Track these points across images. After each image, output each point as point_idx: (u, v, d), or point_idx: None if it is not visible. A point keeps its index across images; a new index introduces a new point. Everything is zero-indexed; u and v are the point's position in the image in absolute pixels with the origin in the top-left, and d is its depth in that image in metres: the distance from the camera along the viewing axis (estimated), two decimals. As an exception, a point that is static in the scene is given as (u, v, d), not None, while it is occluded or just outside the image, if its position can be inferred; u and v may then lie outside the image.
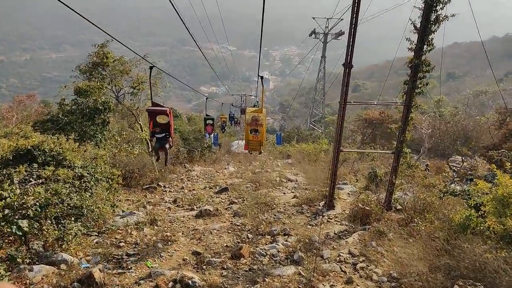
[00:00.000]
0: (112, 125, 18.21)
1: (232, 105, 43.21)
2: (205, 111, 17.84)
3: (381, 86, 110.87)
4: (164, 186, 19.42)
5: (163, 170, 20.86)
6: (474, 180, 13.55)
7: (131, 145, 19.22)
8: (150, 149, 20.45)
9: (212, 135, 19.22)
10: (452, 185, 17.96)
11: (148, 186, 18.56)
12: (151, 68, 8.85)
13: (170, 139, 11.00)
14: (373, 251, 10.41)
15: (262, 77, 10.69)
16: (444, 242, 9.43)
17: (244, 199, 16.65)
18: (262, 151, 13.06)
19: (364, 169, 23.99)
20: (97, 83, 16.98)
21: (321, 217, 13.81)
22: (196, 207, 15.61)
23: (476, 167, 22.73)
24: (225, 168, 26.38)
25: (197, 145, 29.08)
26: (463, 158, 23.98)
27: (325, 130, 57.96)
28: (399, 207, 14.33)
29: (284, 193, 17.80)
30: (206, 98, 16.41)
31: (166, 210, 15.30)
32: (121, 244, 10.92)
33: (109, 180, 13.78)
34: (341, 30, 51.45)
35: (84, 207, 11.36)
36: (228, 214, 14.54)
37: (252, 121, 11.49)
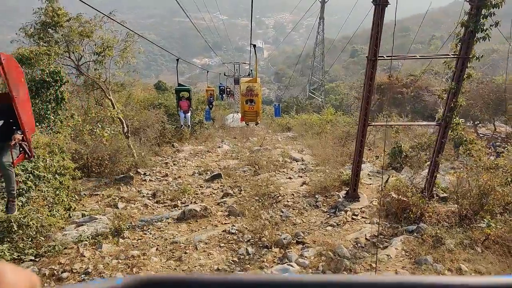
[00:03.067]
0: (71, 101, 14.53)
1: (224, 74, 39.15)
2: (177, 78, 12.88)
3: (380, 50, 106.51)
4: (144, 174, 16.00)
5: (143, 154, 17.41)
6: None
7: (100, 126, 15.62)
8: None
9: (189, 113, 14.15)
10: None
11: (123, 175, 15.10)
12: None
13: (17, 135, 4.31)
14: (431, 273, 7.12)
15: (255, 46, 10.30)
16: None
17: (241, 188, 13.28)
18: (259, 122, 12.81)
19: (379, 142, 20.58)
20: (45, 47, 13.15)
21: (343, 212, 10.48)
22: (181, 203, 12.27)
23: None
24: (219, 147, 22.95)
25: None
26: (494, 124, 20.57)
27: (325, 98, 54.18)
28: (441, 194, 11.03)
29: (290, 178, 14.40)
30: (177, 60, 12.41)
31: (142, 209, 11.93)
32: (65, 274, 7.56)
33: (59, 175, 10.34)
34: (341, -13, 46.59)
35: (13, 220, 7.97)
36: (221, 212, 11.19)
37: (247, 92, 11.18)
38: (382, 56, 9.15)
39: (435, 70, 39.40)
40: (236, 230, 9.45)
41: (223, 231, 9.49)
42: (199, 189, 13.70)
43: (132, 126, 19.98)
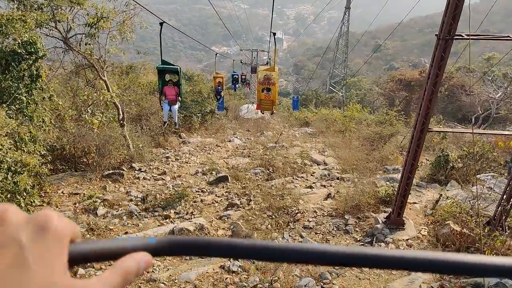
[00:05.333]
0: (51, 80, 12.17)
1: (241, 62, 36.64)
2: (161, 52, 9.14)
3: (404, 45, 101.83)
4: (139, 170, 13.64)
5: (141, 145, 15.04)
6: None
7: (89, 111, 13.29)
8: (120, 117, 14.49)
9: (177, 105, 10.40)
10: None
11: (112, 171, 12.76)
12: None
13: None
14: None
15: (274, 34, 10.09)
16: None
17: (251, 198, 10.78)
18: (275, 111, 13.16)
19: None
20: (21, 12, 10.76)
21: (383, 245, 7.87)
22: (174, 213, 9.85)
23: None
24: (229, 140, 20.49)
25: (197, 109, 23.19)
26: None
27: (346, 93, 51.03)
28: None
29: (311, 188, 11.80)
30: (161, 24, 8.62)
31: (125, 218, 9.55)
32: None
33: (15, 174, 8.00)
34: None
35: None
36: (222, 231, 8.73)
37: (264, 80, 11.30)
38: (460, 35, 6.42)
39: (470, 68, 36.02)
40: (239, 267, 6.90)
41: (220, 266, 6.96)
42: (200, 195, 11.24)
43: (133, 113, 17.68)
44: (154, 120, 18.47)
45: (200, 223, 8.45)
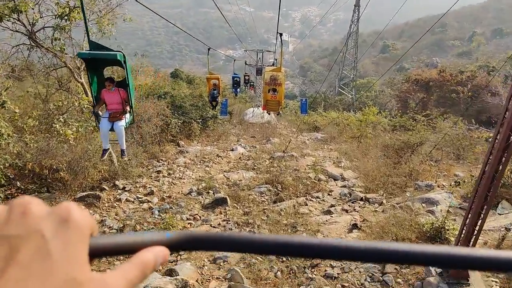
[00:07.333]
0: (10, 82, 9.98)
1: (246, 63, 34.45)
2: (86, 28, 5.33)
3: (417, 46, 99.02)
4: (124, 188, 11.44)
5: (127, 158, 12.81)
6: None
7: (62, 120, 11.08)
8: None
9: (123, 121, 6.15)
10: None
11: (87, 193, 10.52)
12: None
13: None
14: None
15: (281, 34, 9.92)
16: None
17: (255, 228, 8.46)
18: (281, 112, 13.96)
19: (447, 157, 15.13)
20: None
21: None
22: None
23: None
24: (232, 150, 18.24)
25: (197, 114, 21.09)
26: None
27: (356, 95, 48.54)
28: None
29: (331, 213, 9.43)
30: None
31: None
32: None
33: None
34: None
35: None
36: (216, 283, 6.42)
37: (270, 81, 11.26)
38: None
39: (490, 67, 33.47)
40: None
41: None
42: (191, 225, 8.96)
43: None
44: (147, 127, 16.34)
45: (182, 279, 6.07)
